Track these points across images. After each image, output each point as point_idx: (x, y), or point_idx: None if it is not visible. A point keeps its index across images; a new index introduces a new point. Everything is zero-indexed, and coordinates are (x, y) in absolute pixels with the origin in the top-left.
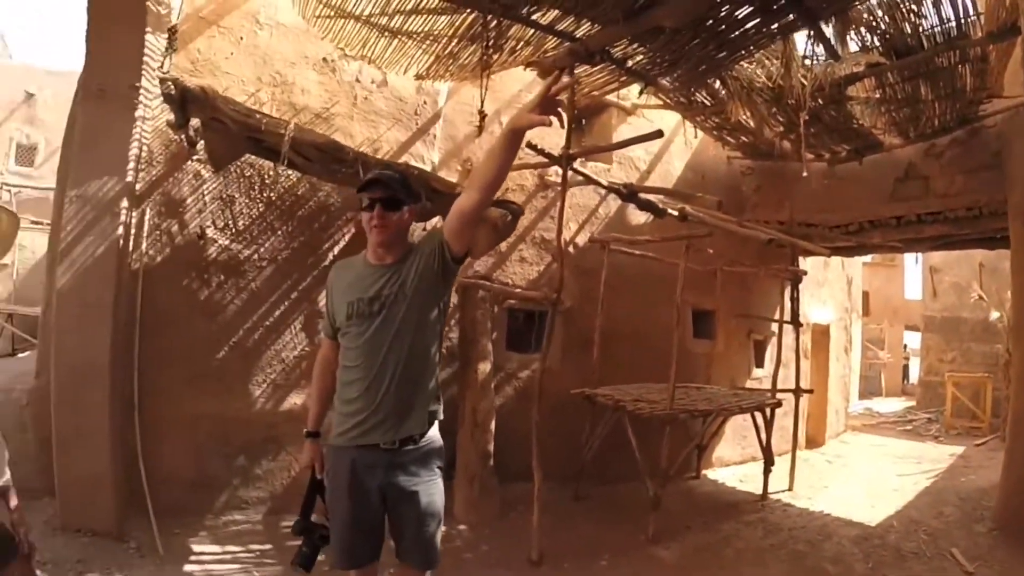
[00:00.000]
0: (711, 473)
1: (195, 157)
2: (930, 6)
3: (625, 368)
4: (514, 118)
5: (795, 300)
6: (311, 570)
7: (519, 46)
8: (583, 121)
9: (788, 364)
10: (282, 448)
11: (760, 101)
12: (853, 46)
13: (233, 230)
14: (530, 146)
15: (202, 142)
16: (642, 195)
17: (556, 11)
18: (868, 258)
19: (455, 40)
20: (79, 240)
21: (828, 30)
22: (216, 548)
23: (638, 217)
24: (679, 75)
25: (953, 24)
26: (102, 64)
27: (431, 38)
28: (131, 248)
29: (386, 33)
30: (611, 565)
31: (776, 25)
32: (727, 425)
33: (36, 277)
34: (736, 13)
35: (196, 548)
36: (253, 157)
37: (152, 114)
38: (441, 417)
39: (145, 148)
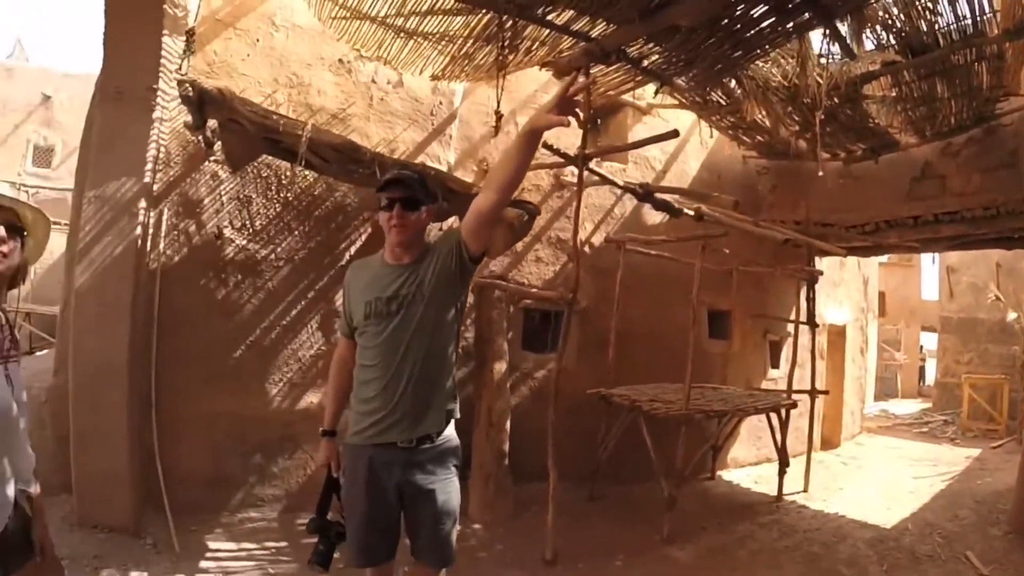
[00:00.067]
0: (726, 474)
1: (212, 158)
2: (946, 4)
3: (641, 368)
4: (532, 119)
5: (811, 300)
6: (329, 568)
7: (534, 46)
8: (598, 121)
9: (804, 365)
10: (298, 446)
11: (776, 100)
12: (869, 44)
13: (250, 230)
14: (546, 146)
15: (219, 143)
16: (658, 195)
17: (571, 11)
18: (884, 258)
19: (471, 41)
20: (97, 240)
21: (844, 28)
22: (232, 545)
23: (654, 217)
24: (695, 74)
25: (969, 21)
26: (120, 67)
27: (446, 39)
28: (149, 248)
29: (402, 34)
30: (625, 565)
31: (791, 24)
32: (742, 426)
33: (53, 277)
34: (752, 12)
35: (212, 545)
36: (270, 158)
37: (169, 115)
38: (458, 416)
39: (163, 149)
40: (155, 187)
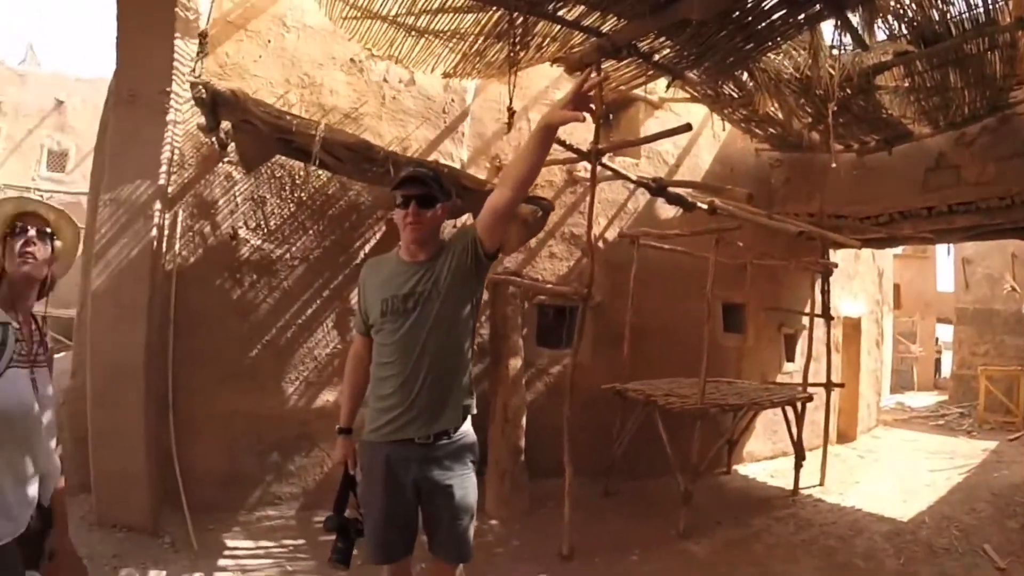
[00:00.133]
0: (742, 468)
1: (226, 159)
2: None
3: (655, 363)
4: (547, 115)
5: (826, 293)
6: (349, 565)
7: (545, 42)
8: (610, 116)
9: (819, 358)
10: (315, 445)
11: (788, 92)
12: (881, 35)
13: (265, 230)
14: (559, 142)
15: (233, 144)
16: (671, 189)
17: (582, 7)
18: (899, 250)
19: (482, 38)
20: (113, 242)
21: (855, 19)
22: (250, 543)
23: (667, 211)
24: (706, 68)
25: (981, 10)
26: (133, 70)
27: (458, 36)
28: (164, 249)
29: (413, 32)
30: (642, 560)
31: (803, 15)
32: (758, 420)
33: (70, 279)
34: (762, 4)
35: (230, 543)
36: (283, 158)
37: (183, 118)
38: (474, 411)
39: (177, 151)
40: (170, 189)
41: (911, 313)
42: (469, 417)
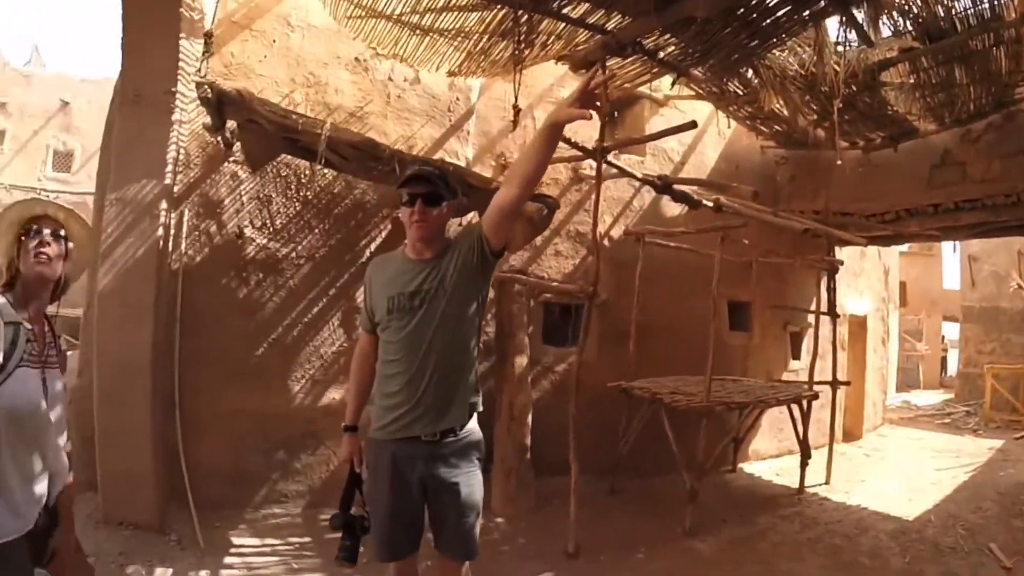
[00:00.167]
0: (747, 466)
1: (232, 158)
2: None
3: (661, 361)
4: (553, 112)
5: (831, 291)
6: (356, 563)
7: (550, 40)
8: (615, 114)
9: (825, 356)
10: (321, 443)
11: (793, 89)
12: (886, 31)
13: (271, 229)
14: (564, 140)
15: (238, 144)
16: (676, 186)
17: (587, 4)
18: (905, 247)
19: (486, 36)
20: (119, 242)
21: (860, 15)
22: (256, 541)
23: (672, 209)
24: (711, 65)
25: (986, 6)
26: (138, 71)
27: (462, 35)
28: (171, 249)
29: (417, 31)
30: (647, 558)
31: (807, 12)
32: (763, 418)
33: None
34: (767, 1)
35: (236, 541)
36: (289, 157)
37: (188, 117)
38: (480, 409)
39: (182, 151)
40: (175, 189)
41: (917, 311)
42: (475, 415)
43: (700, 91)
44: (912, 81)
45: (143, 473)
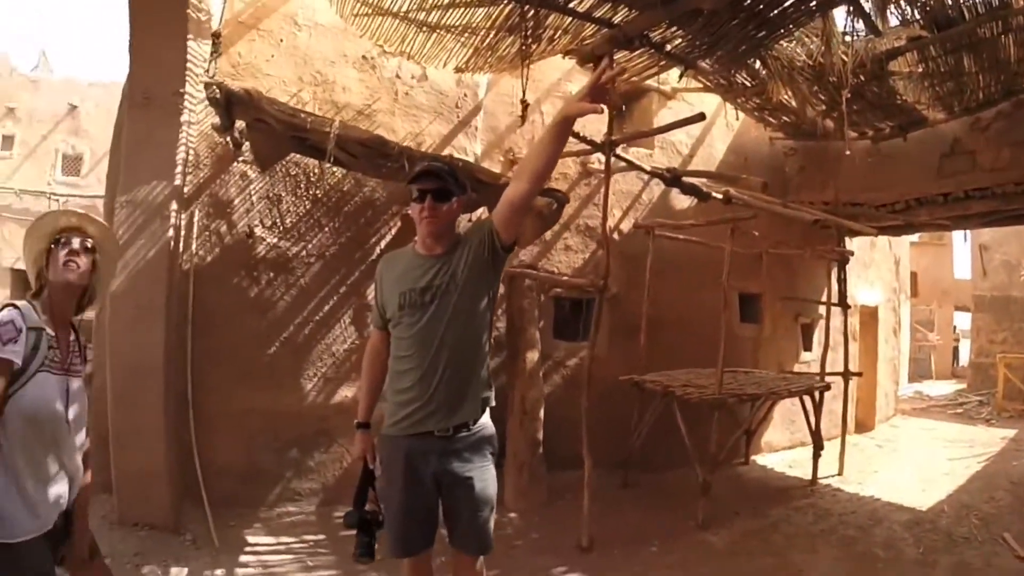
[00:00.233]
0: (760, 458)
1: (241, 158)
2: None
3: (672, 354)
4: (564, 107)
5: (842, 281)
6: (374, 559)
7: (557, 35)
8: (623, 107)
9: (836, 347)
10: (333, 440)
11: (801, 80)
12: (893, 20)
13: (281, 228)
14: (572, 134)
15: (247, 143)
16: (685, 179)
17: None
18: (915, 237)
19: (493, 32)
20: (130, 244)
21: (867, 4)
22: (270, 539)
23: (682, 202)
24: (719, 57)
25: None
26: (146, 72)
27: (469, 31)
28: (181, 249)
29: (424, 28)
30: (661, 551)
31: (814, 2)
32: (775, 410)
33: None
34: None
35: (251, 539)
36: (298, 156)
37: (197, 118)
38: (493, 404)
39: (191, 152)
40: (185, 189)
41: (928, 301)
42: (488, 409)
43: (708, 83)
44: (920, 70)
45: (157, 473)
